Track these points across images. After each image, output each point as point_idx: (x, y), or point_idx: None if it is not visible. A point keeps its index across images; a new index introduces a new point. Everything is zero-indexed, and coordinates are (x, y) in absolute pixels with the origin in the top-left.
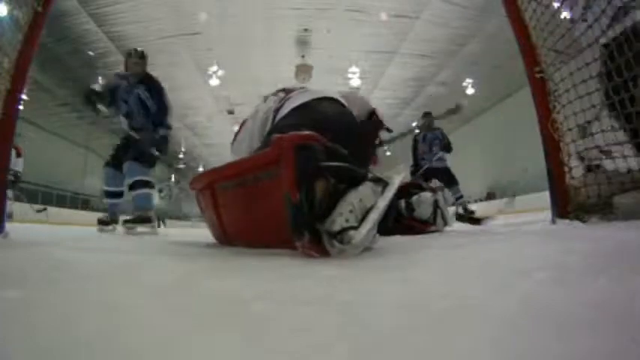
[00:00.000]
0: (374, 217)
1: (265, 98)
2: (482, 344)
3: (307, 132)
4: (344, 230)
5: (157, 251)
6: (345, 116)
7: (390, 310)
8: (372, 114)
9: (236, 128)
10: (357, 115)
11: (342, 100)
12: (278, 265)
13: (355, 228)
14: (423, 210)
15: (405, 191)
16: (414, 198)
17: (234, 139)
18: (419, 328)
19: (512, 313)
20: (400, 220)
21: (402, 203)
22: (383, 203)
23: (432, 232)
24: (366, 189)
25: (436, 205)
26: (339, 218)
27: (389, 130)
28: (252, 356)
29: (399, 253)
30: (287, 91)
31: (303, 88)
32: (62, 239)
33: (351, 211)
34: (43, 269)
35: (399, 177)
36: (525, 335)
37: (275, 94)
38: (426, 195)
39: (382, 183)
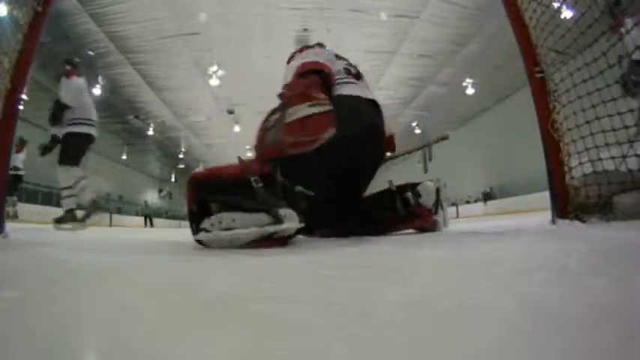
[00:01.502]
0: (205, 233)
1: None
2: (482, 344)
3: (210, 172)
4: (201, 230)
5: (155, 251)
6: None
7: (390, 310)
8: (390, 137)
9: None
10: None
11: (382, 109)
12: (277, 265)
13: (208, 231)
14: (427, 198)
15: (409, 186)
16: (420, 185)
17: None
18: (418, 328)
19: (512, 313)
20: (409, 210)
21: (409, 194)
22: (222, 234)
23: (433, 230)
24: (235, 215)
25: (438, 193)
26: (203, 223)
27: (392, 155)
28: (250, 356)
29: (399, 253)
30: (350, 68)
31: (359, 74)
32: (61, 239)
33: (212, 225)
34: (42, 269)
35: (292, 223)
36: (525, 335)
37: (339, 57)
38: (429, 183)
39: (276, 219)
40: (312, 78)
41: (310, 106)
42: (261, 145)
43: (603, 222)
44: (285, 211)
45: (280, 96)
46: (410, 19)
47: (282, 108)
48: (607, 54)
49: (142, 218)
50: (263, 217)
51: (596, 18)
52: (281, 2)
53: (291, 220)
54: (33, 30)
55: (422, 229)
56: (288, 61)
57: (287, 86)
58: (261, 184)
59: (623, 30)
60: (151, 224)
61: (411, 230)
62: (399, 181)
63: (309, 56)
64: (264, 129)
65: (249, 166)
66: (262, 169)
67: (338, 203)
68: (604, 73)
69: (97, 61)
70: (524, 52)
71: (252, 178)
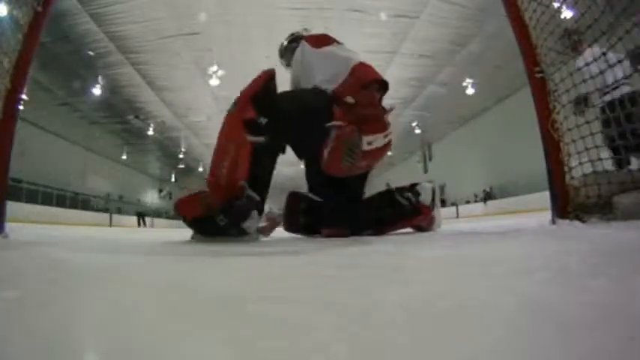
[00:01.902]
0: (192, 237)
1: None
2: (482, 344)
3: (184, 209)
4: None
5: (154, 251)
6: None
7: (390, 310)
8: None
9: None
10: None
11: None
12: (277, 265)
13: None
14: (426, 196)
15: (408, 187)
16: (418, 186)
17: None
18: (419, 328)
19: (512, 313)
20: (411, 204)
21: (409, 193)
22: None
23: (430, 229)
24: (208, 236)
25: (433, 193)
26: (245, 223)
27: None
28: (250, 356)
29: (399, 252)
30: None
31: None
32: (61, 239)
33: (195, 235)
34: (42, 269)
35: (252, 235)
36: (525, 335)
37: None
38: (426, 183)
39: (239, 233)
40: (377, 95)
41: (385, 136)
42: (332, 164)
43: (603, 222)
44: (249, 223)
45: (337, 101)
46: (410, 19)
47: (356, 123)
48: (606, 54)
49: (137, 218)
50: (230, 234)
51: (595, 18)
52: (281, 2)
53: (251, 234)
54: (33, 30)
55: (419, 228)
56: (312, 42)
57: (355, 96)
58: (225, 221)
59: (580, 62)
60: (144, 223)
61: (409, 230)
62: (399, 181)
63: (358, 56)
64: (340, 152)
65: (213, 202)
66: (225, 202)
67: (338, 203)
68: (604, 73)
69: (97, 61)
70: (524, 52)
71: (218, 218)
